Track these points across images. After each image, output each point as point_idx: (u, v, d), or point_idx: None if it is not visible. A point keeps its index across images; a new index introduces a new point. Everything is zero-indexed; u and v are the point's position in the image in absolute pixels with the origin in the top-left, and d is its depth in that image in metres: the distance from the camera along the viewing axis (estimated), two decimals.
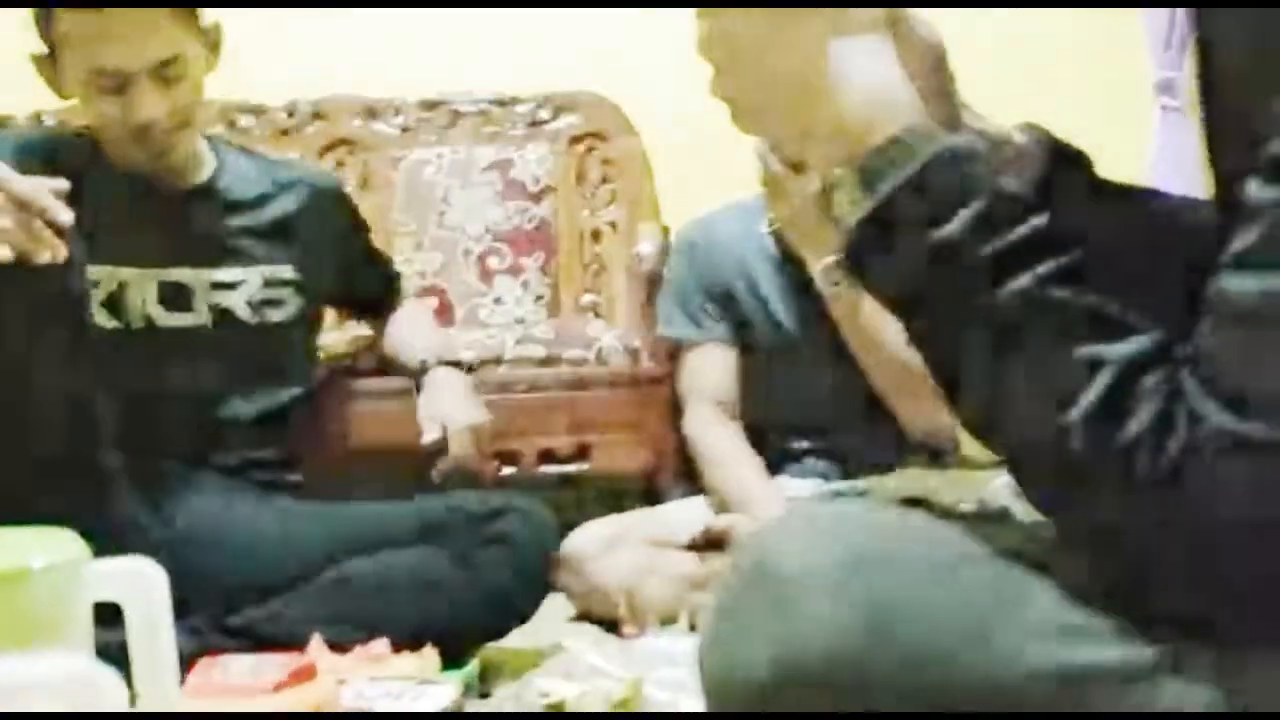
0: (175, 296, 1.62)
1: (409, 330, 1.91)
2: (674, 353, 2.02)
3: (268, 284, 1.69)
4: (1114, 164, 0.86)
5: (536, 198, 2.63)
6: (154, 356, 1.59)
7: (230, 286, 1.66)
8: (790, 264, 1.90)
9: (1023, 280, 0.59)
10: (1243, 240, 0.55)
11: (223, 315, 1.65)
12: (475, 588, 1.48)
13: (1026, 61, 2.71)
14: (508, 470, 2.10)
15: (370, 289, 1.94)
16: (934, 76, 0.77)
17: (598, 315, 2.62)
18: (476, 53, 2.77)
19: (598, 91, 2.73)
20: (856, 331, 1.80)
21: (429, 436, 1.66)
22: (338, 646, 1.35)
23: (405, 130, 2.71)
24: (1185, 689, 0.56)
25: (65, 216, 1.29)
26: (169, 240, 1.64)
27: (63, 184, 1.31)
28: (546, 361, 2.16)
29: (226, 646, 1.33)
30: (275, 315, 1.69)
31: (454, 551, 1.50)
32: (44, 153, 1.55)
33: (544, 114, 2.72)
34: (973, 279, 0.60)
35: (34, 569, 0.73)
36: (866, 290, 0.67)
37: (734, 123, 0.70)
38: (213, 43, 1.64)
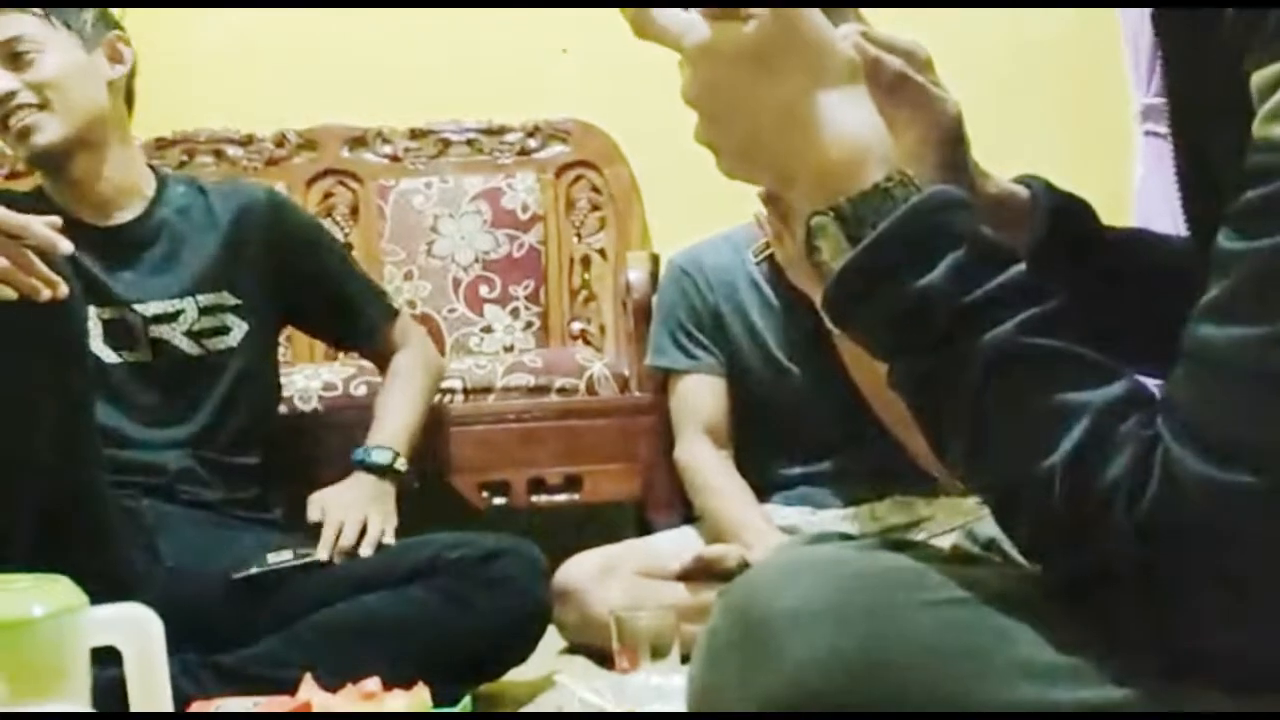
0: (121, 334, 1.63)
1: (388, 400, 1.82)
2: (664, 382, 2.03)
3: (205, 312, 1.68)
4: (1098, 192, 0.88)
5: (526, 226, 2.65)
6: (107, 395, 1.58)
7: (168, 319, 1.66)
8: (779, 293, 1.92)
9: (1005, 326, 0.60)
10: (1213, 290, 0.56)
11: (162, 348, 1.64)
12: (468, 630, 1.47)
13: (1010, 93, 2.73)
14: (499, 501, 2.10)
15: (331, 310, 1.86)
16: (949, 147, 0.79)
17: (587, 343, 2.63)
18: (465, 81, 2.79)
19: (586, 120, 2.74)
20: (861, 367, 1.81)
21: (312, 516, 1.62)
22: (329, 686, 1.35)
23: (394, 159, 2.72)
24: None
25: (64, 247, 1.29)
26: (107, 278, 1.64)
27: (56, 220, 1.32)
28: (536, 390, 2.17)
29: (219, 687, 1.33)
30: (219, 343, 1.68)
31: (446, 593, 1.49)
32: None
33: (533, 143, 2.74)
34: (954, 326, 0.61)
35: (35, 617, 0.73)
36: (848, 335, 0.68)
37: (719, 168, 0.72)
38: (100, 45, 1.67)
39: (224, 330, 1.69)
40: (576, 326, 2.67)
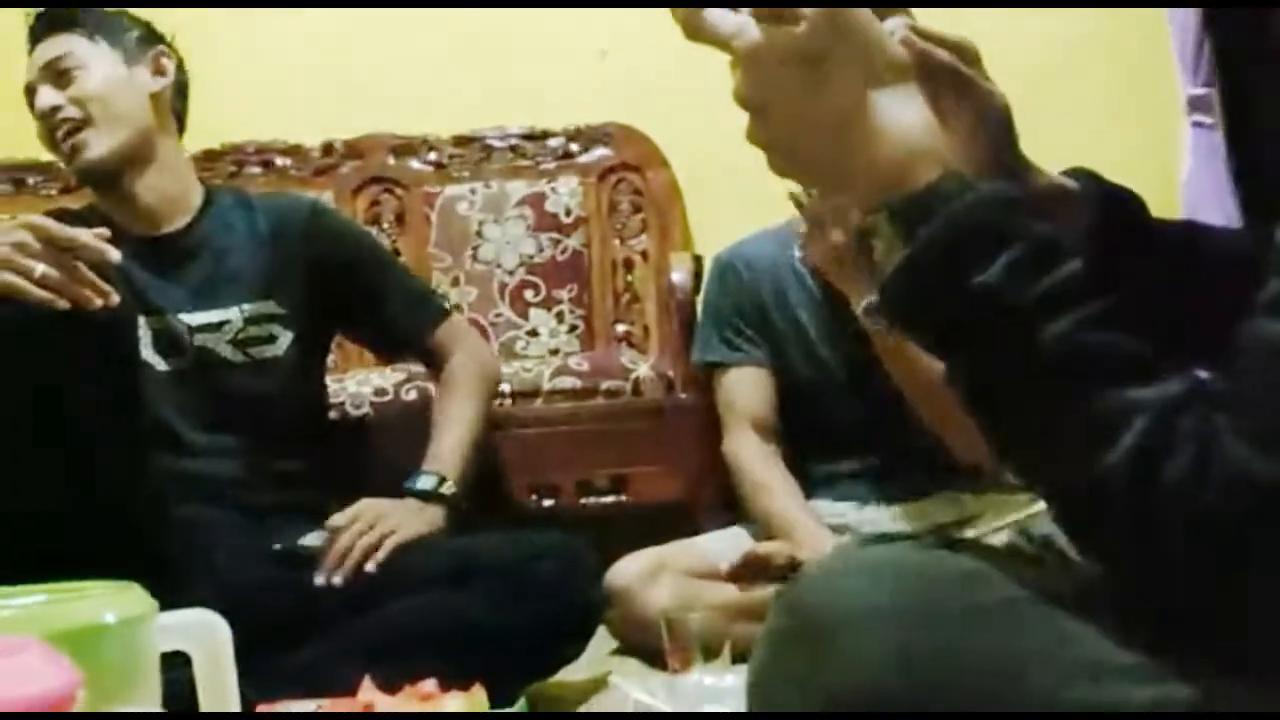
0: (167, 343, 1.66)
1: (442, 415, 1.79)
2: (710, 378, 2.03)
3: (250, 321, 1.70)
4: (1146, 184, 0.87)
5: (569, 230, 2.67)
6: (155, 403, 1.61)
7: (213, 329, 1.69)
8: (823, 288, 1.92)
9: (1060, 325, 0.60)
10: (1273, 287, 0.56)
11: (207, 357, 1.67)
12: (519, 629, 1.48)
13: (1056, 86, 2.71)
14: (547, 503, 2.12)
15: (376, 317, 1.85)
16: (998, 140, 0.79)
17: (631, 344, 2.64)
18: (507, 88, 2.81)
19: (627, 123, 2.76)
20: (901, 367, 1.80)
21: (335, 520, 1.61)
22: (387, 687, 1.36)
23: (439, 167, 2.75)
24: None
25: (113, 255, 1.32)
26: (153, 288, 1.68)
27: (104, 231, 1.35)
28: (583, 393, 2.18)
29: (280, 691, 1.34)
30: (265, 352, 1.71)
31: (497, 592, 1.50)
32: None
33: (575, 147, 2.76)
34: (1010, 324, 0.61)
35: (109, 623, 0.75)
36: (904, 334, 0.68)
37: (771, 167, 0.72)
38: (143, 59, 1.72)
39: (269, 339, 1.72)
40: (620, 329, 2.68)
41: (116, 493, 1.31)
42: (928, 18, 0.85)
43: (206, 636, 0.84)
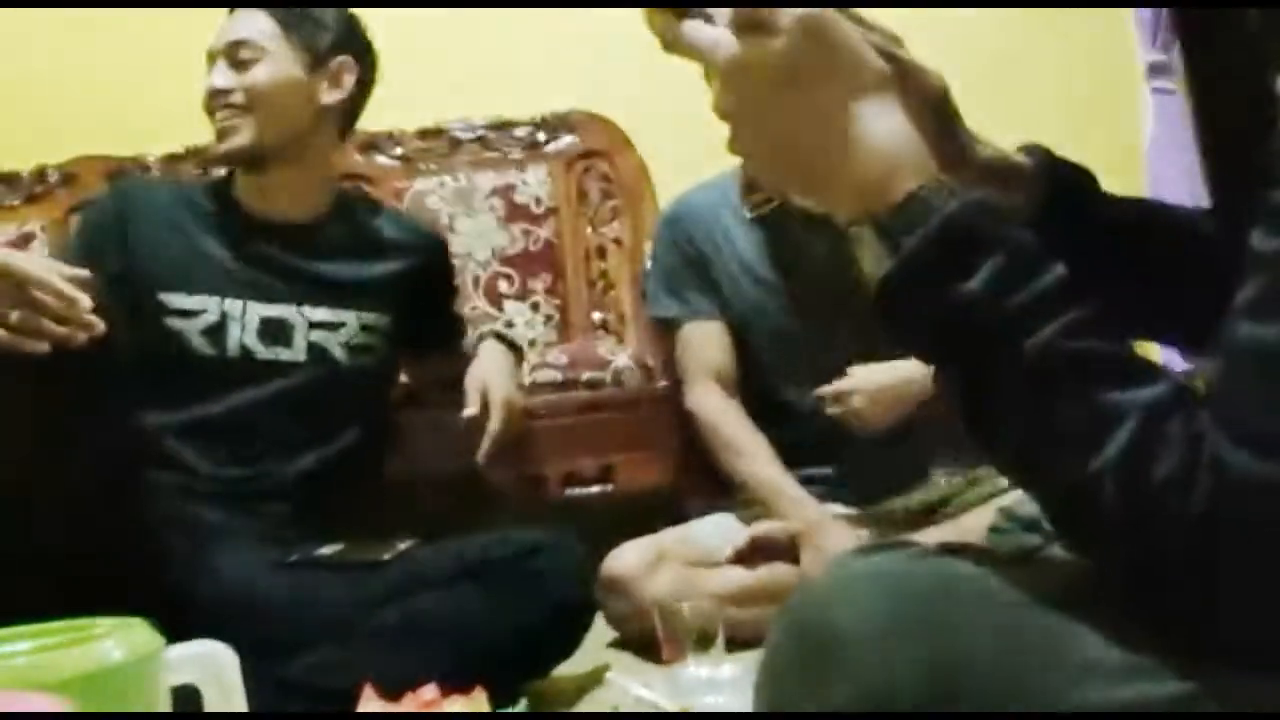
0: (276, 331, 1.70)
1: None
2: (664, 333, 2.05)
3: (364, 329, 1.76)
4: (1108, 151, 0.88)
5: (540, 219, 2.66)
6: (244, 387, 1.67)
7: (331, 327, 1.73)
8: (768, 226, 1.92)
9: (1045, 331, 0.60)
10: (1250, 289, 0.57)
11: (320, 354, 1.72)
12: (513, 628, 1.50)
13: (1016, 59, 2.72)
14: (534, 495, 2.12)
15: (440, 333, 1.96)
16: (938, 117, 0.79)
17: (608, 332, 2.64)
18: (470, 79, 2.79)
19: (592, 110, 2.75)
20: None
21: (470, 409, 1.73)
22: (388, 694, 1.37)
23: (406, 161, 2.73)
24: None
25: (83, 303, 1.29)
26: (276, 277, 1.73)
27: (81, 273, 1.33)
28: (564, 386, 2.18)
29: (282, 700, 1.35)
30: (367, 361, 1.76)
31: (490, 592, 1.52)
32: (186, 197, 1.78)
33: (541, 136, 2.75)
34: (996, 332, 0.62)
35: (117, 663, 0.76)
36: (894, 341, 0.69)
37: (752, 175, 0.72)
38: (326, 68, 1.76)
39: (374, 350, 1.77)
40: (597, 316, 2.68)
41: (114, 525, 1.30)
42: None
43: (214, 667, 0.84)
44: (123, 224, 1.73)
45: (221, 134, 1.71)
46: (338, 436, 1.72)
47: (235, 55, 1.70)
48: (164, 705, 0.80)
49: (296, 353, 1.71)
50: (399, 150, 2.74)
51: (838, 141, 0.65)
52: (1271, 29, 0.59)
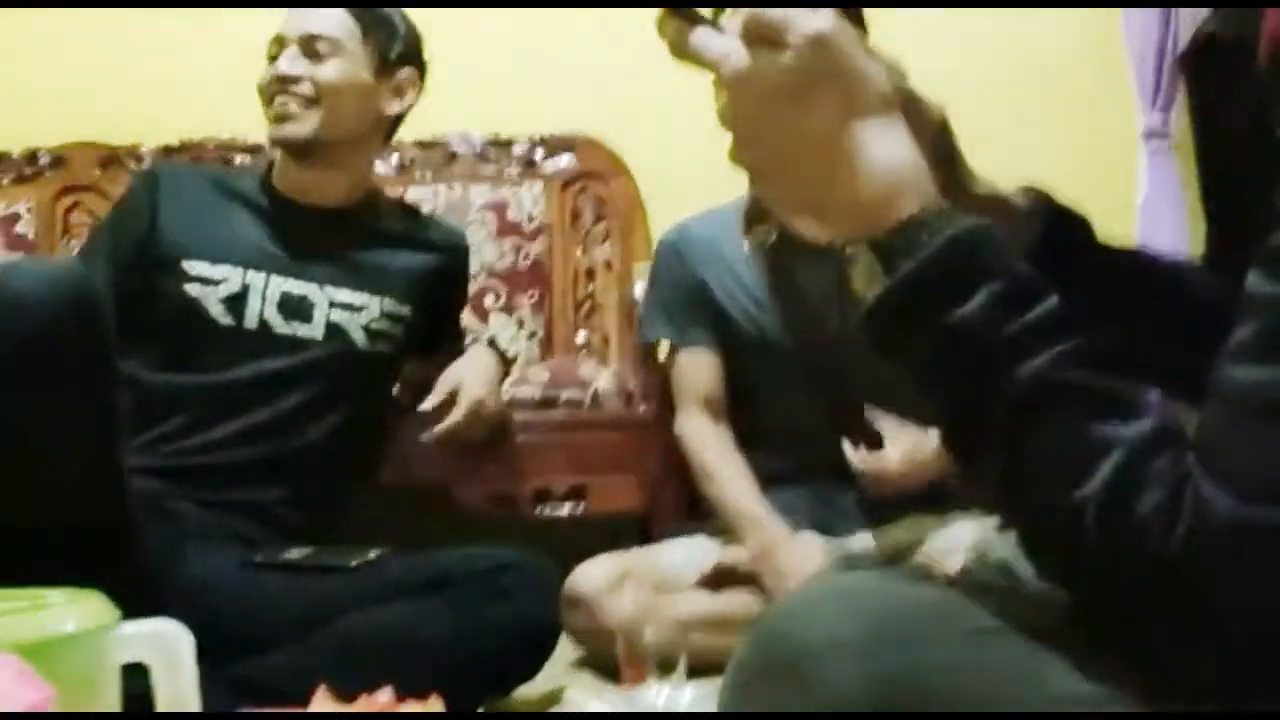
0: (297, 307, 1.71)
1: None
2: (654, 359, 2.06)
3: (385, 315, 1.76)
4: (1101, 211, 0.89)
5: (531, 237, 2.66)
6: (259, 359, 1.67)
7: (353, 309, 1.74)
8: (769, 259, 1.93)
9: (1037, 361, 0.60)
10: (1244, 331, 0.57)
11: (338, 333, 1.72)
12: (476, 645, 1.47)
13: (1016, 111, 2.75)
14: (504, 511, 2.11)
15: (446, 336, 1.97)
16: (937, 149, 0.80)
17: (590, 353, 2.64)
18: (472, 94, 2.80)
19: (591, 133, 2.76)
20: None
21: (432, 400, 1.74)
22: (342, 697, 1.35)
23: (402, 169, 2.73)
24: None
25: None
26: (303, 255, 1.74)
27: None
28: (542, 404, 2.18)
29: (234, 700, 1.33)
30: (384, 348, 1.76)
31: (456, 607, 1.50)
32: (221, 178, 1.83)
33: (539, 155, 2.75)
34: (990, 358, 0.61)
35: (69, 634, 0.74)
36: (884, 361, 0.69)
37: (752, 189, 0.72)
38: (393, 77, 1.79)
39: (392, 339, 1.78)
40: (581, 337, 2.68)
41: (85, 497, 1.28)
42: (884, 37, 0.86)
43: (167, 647, 0.83)
44: (154, 194, 1.76)
45: (280, 119, 1.72)
46: (343, 419, 1.72)
47: (311, 46, 1.72)
48: (113, 681, 0.79)
49: (315, 330, 1.71)
50: (395, 158, 2.74)
51: (840, 159, 0.65)
52: (1275, 92, 0.59)
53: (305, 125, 1.71)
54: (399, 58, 1.79)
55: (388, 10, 1.81)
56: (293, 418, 1.67)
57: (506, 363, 1.95)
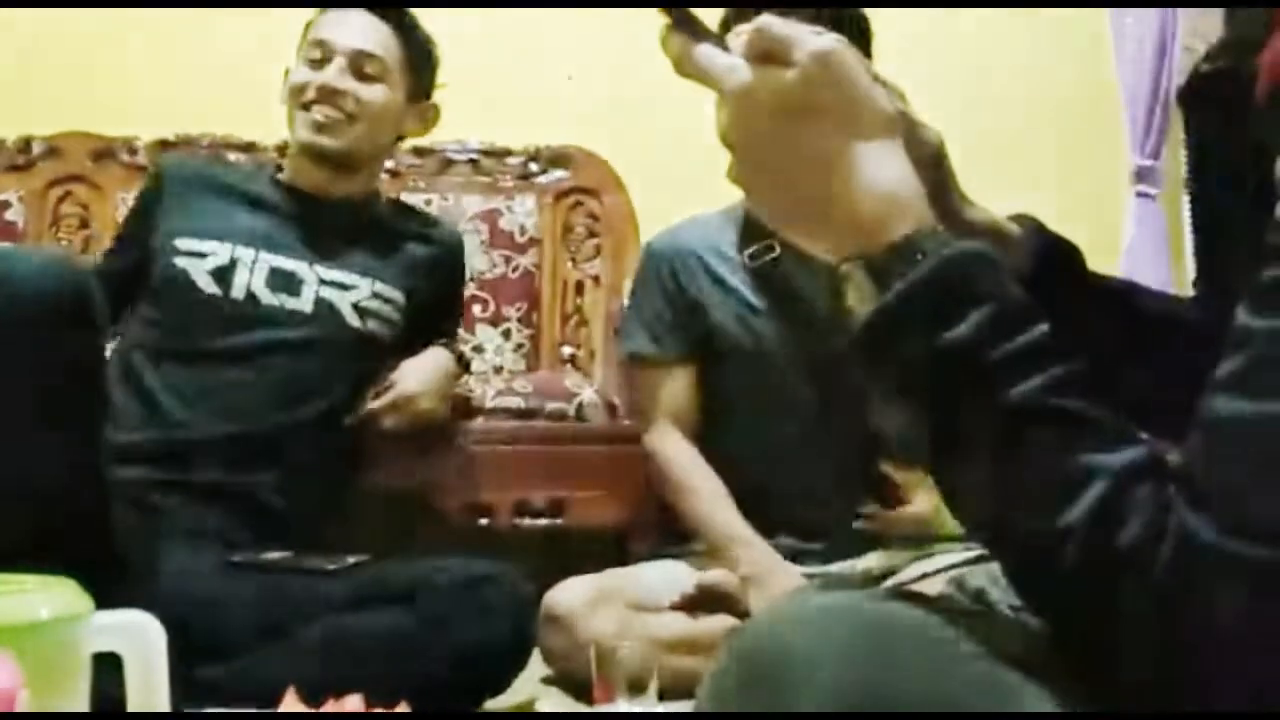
0: (285, 282, 1.72)
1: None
2: (631, 368, 2.02)
3: (376, 296, 1.77)
4: (1086, 249, 0.90)
5: (522, 248, 2.66)
6: (246, 330, 1.68)
7: (341, 287, 1.75)
8: (765, 275, 1.90)
9: (1025, 386, 0.61)
10: (1232, 363, 0.58)
11: (327, 309, 1.73)
12: (447, 656, 1.46)
13: (1005, 153, 2.77)
14: (482, 522, 2.10)
15: (436, 330, 1.95)
16: (933, 173, 0.80)
17: (576, 367, 2.64)
18: (469, 103, 2.79)
19: (587, 147, 2.76)
20: None
21: (374, 392, 1.75)
22: (310, 703, 1.34)
23: (394, 175, 2.73)
24: None
25: None
26: (294, 235, 1.76)
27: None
28: (525, 414, 2.17)
29: (199, 702, 1.31)
30: (375, 328, 1.77)
31: (429, 618, 1.48)
32: (228, 169, 1.96)
33: (534, 166, 2.76)
34: (978, 381, 0.62)
35: (42, 620, 0.73)
36: (871, 381, 0.69)
37: (750, 204, 0.72)
38: (420, 105, 1.85)
39: (384, 320, 1.79)
40: (567, 351, 2.67)
41: (62, 481, 1.27)
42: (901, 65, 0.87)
43: (141, 639, 0.82)
44: (159, 183, 1.80)
45: (319, 127, 1.74)
46: (333, 404, 1.72)
47: (359, 64, 1.74)
48: (85, 671, 0.78)
49: (303, 304, 1.72)
50: (389, 163, 2.73)
51: (839, 177, 0.66)
52: (1276, 112, 0.60)
53: (343, 140, 1.75)
54: (429, 88, 1.85)
55: (427, 37, 1.85)
56: (280, 391, 1.67)
57: (463, 368, 1.95)
